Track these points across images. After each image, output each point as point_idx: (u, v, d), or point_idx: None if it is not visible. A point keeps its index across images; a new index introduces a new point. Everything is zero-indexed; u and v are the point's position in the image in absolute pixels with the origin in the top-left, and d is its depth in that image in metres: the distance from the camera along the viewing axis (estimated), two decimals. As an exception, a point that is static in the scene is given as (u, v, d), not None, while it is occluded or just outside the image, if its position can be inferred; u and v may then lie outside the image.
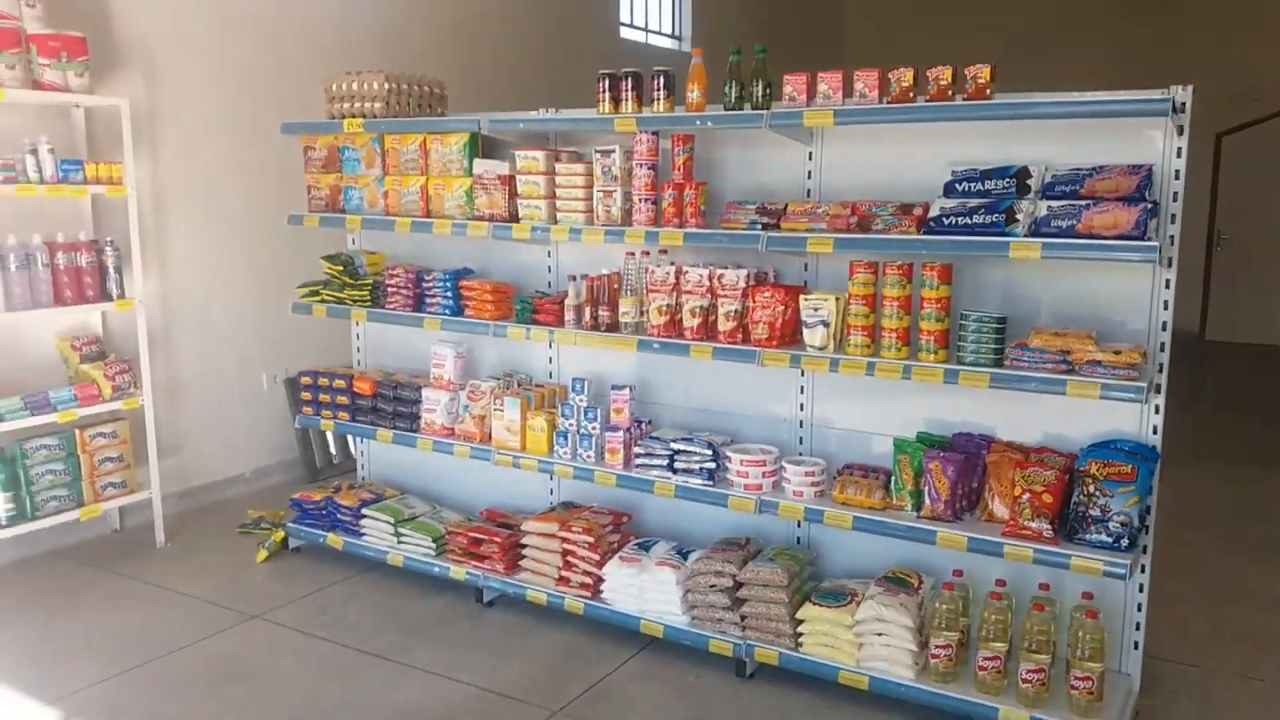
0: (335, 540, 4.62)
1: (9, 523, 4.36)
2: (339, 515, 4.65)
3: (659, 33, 10.04)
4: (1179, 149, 3.07)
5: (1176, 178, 3.08)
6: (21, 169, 4.21)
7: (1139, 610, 3.31)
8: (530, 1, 7.84)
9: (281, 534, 4.84)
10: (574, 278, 3.96)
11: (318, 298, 4.63)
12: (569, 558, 4.02)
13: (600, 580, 3.93)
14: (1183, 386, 9.36)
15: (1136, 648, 3.34)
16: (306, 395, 4.79)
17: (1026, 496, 3.11)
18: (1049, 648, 3.12)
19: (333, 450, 6.09)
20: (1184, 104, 3.02)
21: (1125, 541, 3.00)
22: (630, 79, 3.69)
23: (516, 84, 7.49)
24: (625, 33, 9.35)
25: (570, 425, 4.05)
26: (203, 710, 3.43)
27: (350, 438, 5.94)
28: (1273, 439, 7.39)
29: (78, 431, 4.64)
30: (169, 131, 5.18)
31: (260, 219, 5.62)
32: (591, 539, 3.97)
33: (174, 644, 3.88)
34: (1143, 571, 3.26)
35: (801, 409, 3.84)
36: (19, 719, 3.33)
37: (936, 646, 3.26)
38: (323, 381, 4.72)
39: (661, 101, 3.66)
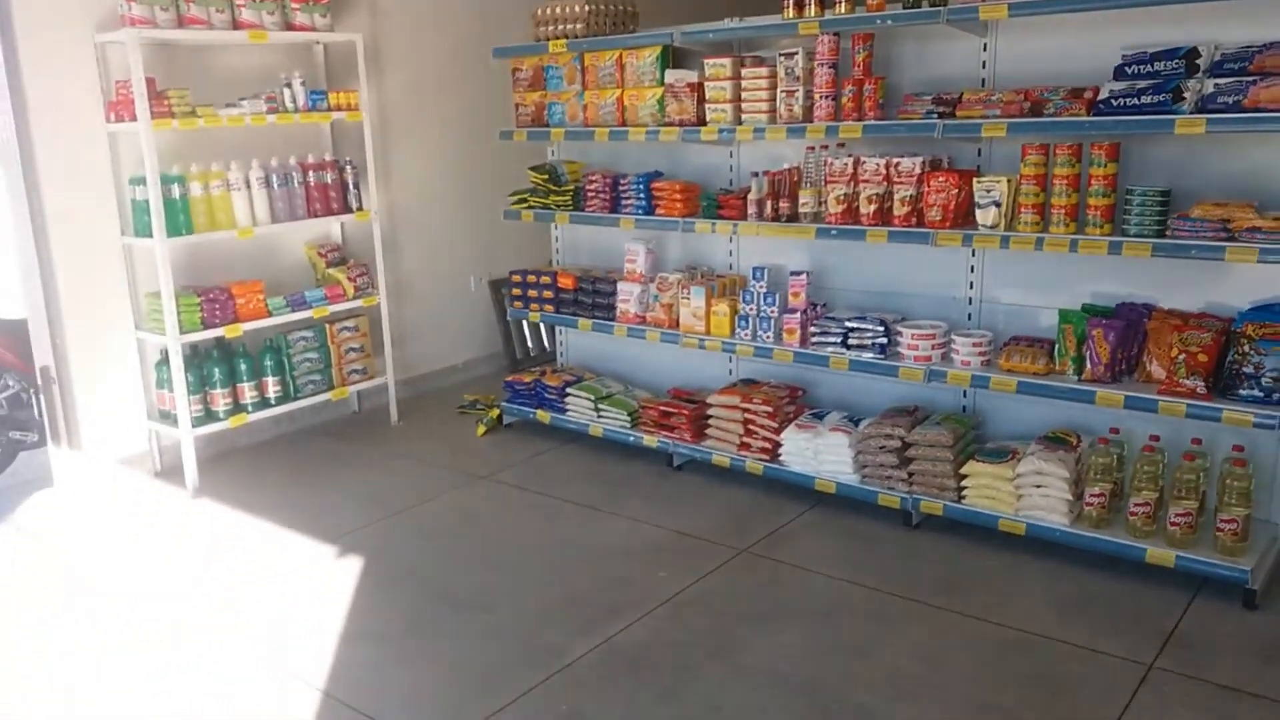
0: (543, 415, 5.27)
1: (277, 402, 5.20)
2: (546, 394, 5.29)
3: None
4: (1351, 20, 3.18)
5: (1346, 50, 3.19)
6: (280, 100, 4.93)
7: (1291, 465, 3.52)
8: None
9: (497, 411, 5.54)
10: (756, 174, 4.36)
11: (525, 204, 5.21)
12: (749, 426, 4.51)
13: (778, 445, 4.40)
14: None
15: (1287, 501, 3.55)
16: (516, 291, 5.41)
17: (1183, 357, 3.35)
18: (1197, 494, 3.39)
19: (530, 343, 6.76)
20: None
21: (1278, 395, 3.22)
22: (814, -16, 4.02)
23: None
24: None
25: (750, 309, 4.49)
26: (450, 545, 4.13)
27: (545, 331, 6.62)
28: None
29: (327, 326, 5.43)
30: (390, 61, 5.84)
31: (466, 137, 6.26)
32: (770, 409, 4.44)
33: (419, 498, 4.61)
34: (1296, 427, 3.45)
35: (971, 287, 4.15)
36: (305, 551, 4.12)
37: (1091, 495, 3.57)
38: (530, 279, 5.33)
39: (843, 4, 3.98)
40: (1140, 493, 3.49)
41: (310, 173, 5.15)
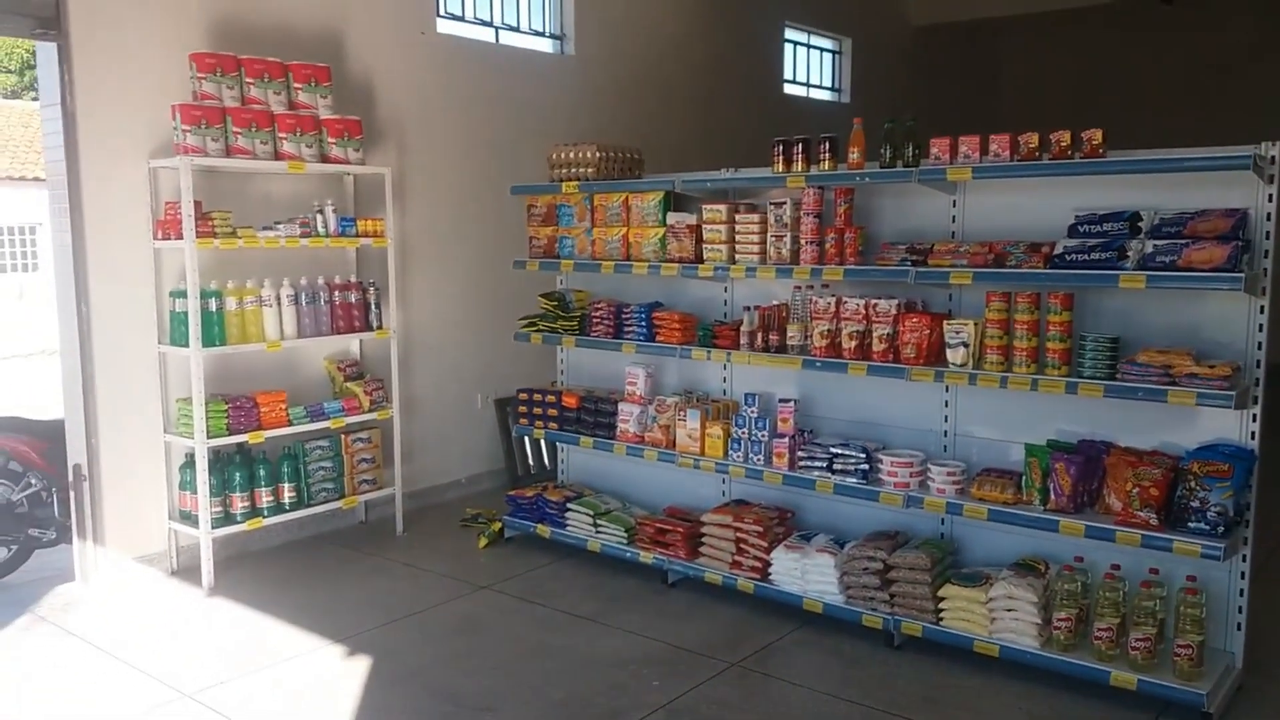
0: (544, 530, 5.52)
1: (291, 507, 5.46)
2: (547, 509, 5.55)
3: (819, 86, 10.80)
4: (1270, 195, 3.58)
5: (1269, 220, 3.59)
6: (313, 225, 5.36)
7: (1240, 594, 3.77)
8: (709, 68, 8.77)
9: (499, 525, 5.79)
10: (748, 308, 4.75)
11: (535, 328, 5.58)
12: (741, 545, 4.76)
13: (768, 564, 4.64)
14: None
15: (1239, 628, 3.80)
16: (523, 409, 5.74)
17: (1136, 490, 3.65)
18: (1155, 621, 3.64)
19: (531, 461, 7.04)
20: (1272, 158, 3.54)
21: (1221, 529, 3.50)
22: (800, 144, 4.48)
23: (699, 143, 8.42)
24: (788, 89, 10.16)
25: (743, 433, 4.80)
26: (453, 651, 4.34)
27: (546, 449, 6.91)
28: None
29: (343, 436, 5.73)
30: (414, 193, 6.32)
31: (479, 265, 6.70)
32: (761, 529, 4.70)
33: (423, 605, 4.83)
34: (1244, 559, 3.72)
35: (945, 420, 4.48)
36: (314, 652, 4.32)
37: (1058, 620, 3.82)
38: (536, 397, 5.66)
39: (826, 161, 4.43)
40: (1103, 618, 3.74)
41: (336, 292, 5.54)
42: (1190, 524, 3.56)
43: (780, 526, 4.80)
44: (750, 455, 4.76)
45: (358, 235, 5.55)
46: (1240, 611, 3.79)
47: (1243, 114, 11.06)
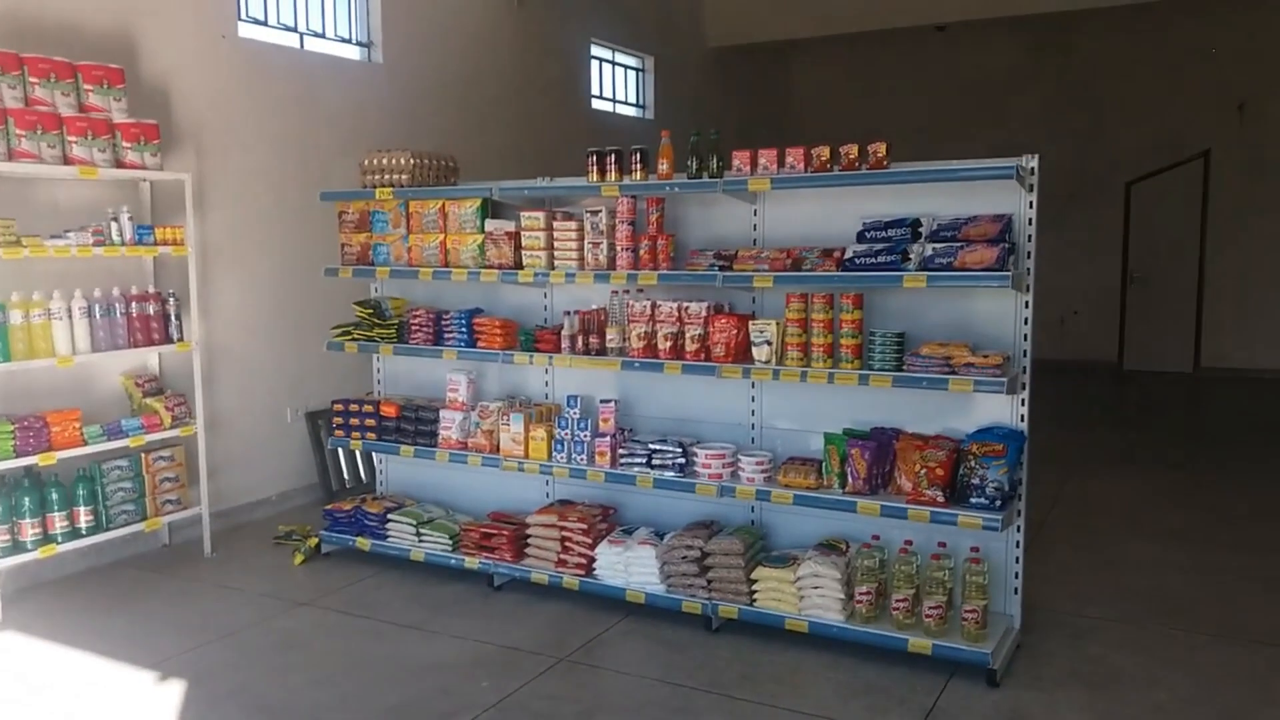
0: (364, 543, 5.44)
1: (89, 532, 5.13)
2: (366, 521, 5.48)
3: (625, 102, 11.12)
4: (1030, 202, 4.05)
5: (1030, 224, 4.06)
6: (107, 234, 5.08)
7: (1016, 561, 4.23)
8: (519, 81, 8.88)
9: (315, 540, 5.65)
10: (568, 313, 4.88)
11: (350, 336, 5.50)
12: (566, 543, 4.88)
13: (593, 560, 4.78)
14: (1101, 408, 10.59)
15: (1016, 593, 4.25)
16: (338, 420, 5.64)
17: (924, 472, 4.03)
18: (945, 590, 4.03)
19: (345, 474, 6.90)
20: (1032, 169, 4.01)
21: (999, 502, 3.93)
22: (613, 155, 4.66)
23: (511, 153, 8.49)
24: (595, 104, 10.41)
25: (566, 435, 4.93)
26: (273, 668, 4.23)
27: (362, 462, 6.80)
28: (1175, 449, 8.47)
29: (143, 455, 5.45)
30: (215, 200, 6.08)
31: (286, 273, 6.52)
32: (585, 526, 4.84)
33: (238, 625, 4.67)
34: (1019, 530, 4.18)
35: (752, 414, 4.76)
36: (123, 680, 4.10)
37: (860, 594, 4.15)
38: (353, 408, 5.58)
39: (638, 172, 4.63)
40: (900, 590, 4.10)
41: (133, 304, 5.27)
42: (972, 500, 3.97)
43: (604, 523, 4.95)
44: (574, 455, 4.89)
45: (155, 244, 5.31)
46: (1016, 577, 4.24)
47: (1006, 130, 12.18)
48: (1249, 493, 6.91)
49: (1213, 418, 10.31)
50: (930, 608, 4.03)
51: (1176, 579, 5.19)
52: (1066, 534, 5.86)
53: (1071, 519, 6.21)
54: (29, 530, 4.87)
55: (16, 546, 4.83)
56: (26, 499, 4.86)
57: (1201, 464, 7.88)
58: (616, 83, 10.98)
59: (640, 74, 11.36)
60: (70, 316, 4.95)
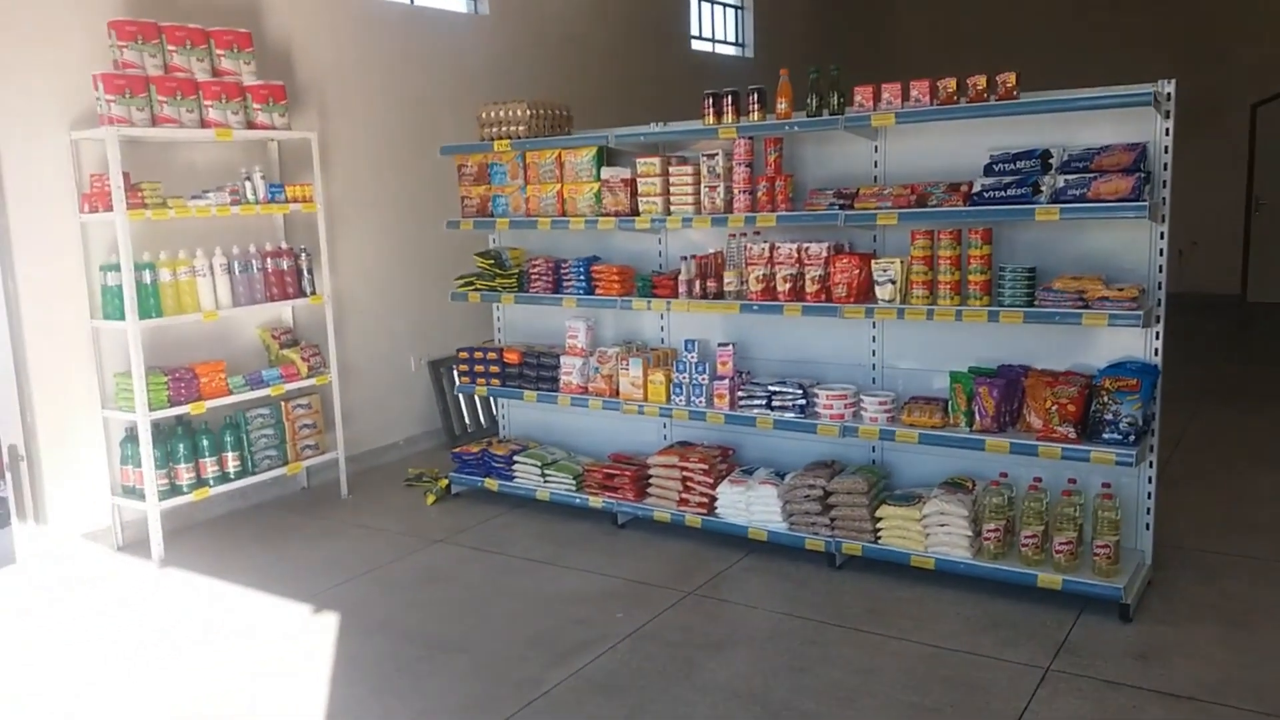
0: (491, 483, 5.65)
1: (236, 476, 5.46)
2: (493, 463, 5.68)
3: (724, 42, 10.99)
4: (1166, 129, 3.92)
5: (1165, 152, 3.93)
6: (243, 193, 5.32)
7: (1149, 497, 4.16)
8: (620, 24, 8.87)
9: (445, 481, 5.89)
10: (685, 258, 4.93)
11: (472, 287, 5.67)
12: (688, 483, 4.99)
13: (714, 499, 4.88)
14: (1224, 342, 10.20)
15: (1148, 528, 4.20)
16: (463, 367, 5.83)
17: (1055, 408, 3.99)
18: (1076, 526, 4.00)
19: (467, 419, 7.13)
20: (1168, 94, 3.87)
21: (1132, 438, 3.87)
22: (730, 96, 4.66)
23: (615, 100, 8.50)
24: (695, 44, 10.32)
25: (684, 378, 5.01)
26: (417, 600, 4.46)
27: (481, 407, 7.02)
28: None
29: (283, 404, 5.74)
30: (338, 157, 6.29)
31: (406, 226, 6.72)
32: (706, 466, 4.93)
33: (381, 561, 4.92)
34: (1150, 465, 4.11)
35: (873, 355, 4.76)
36: (279, 612, 4.38)
37: (988, 531, 4.15)
38: (477, 355, 5.76)
39: (756, 112, 4.62)
40: (1029, 527, 4.09)
41: (269, 260, 5.52)
42: (1104, 435, 3.91)
43: (723, 464, 5.03)
44: (692, 398, 4.97)
45: (287, 201, 5.53)
46: (1149, 513, 4.19)
47: (1131, 53, 11.59)
48: None
49: None
50: (1060, 543, 4.01)
51: None
52: (1193, 470, 5.72)
53: (1197, 455, 6.05)
54: (184, 475, 5.20)
55: (174, 490, 5.17)
56: (180, 446, 5.18)
57: None
58: (715, 22, 10.85)
59: (740, 11, 11.20)
60: (212, 273, 5.22)
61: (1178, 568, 4.38)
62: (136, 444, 5.00)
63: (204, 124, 5.11)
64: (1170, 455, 5.92)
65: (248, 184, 5.35)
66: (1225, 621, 3.92)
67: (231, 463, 5.44)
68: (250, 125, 5.32)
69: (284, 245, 5.72)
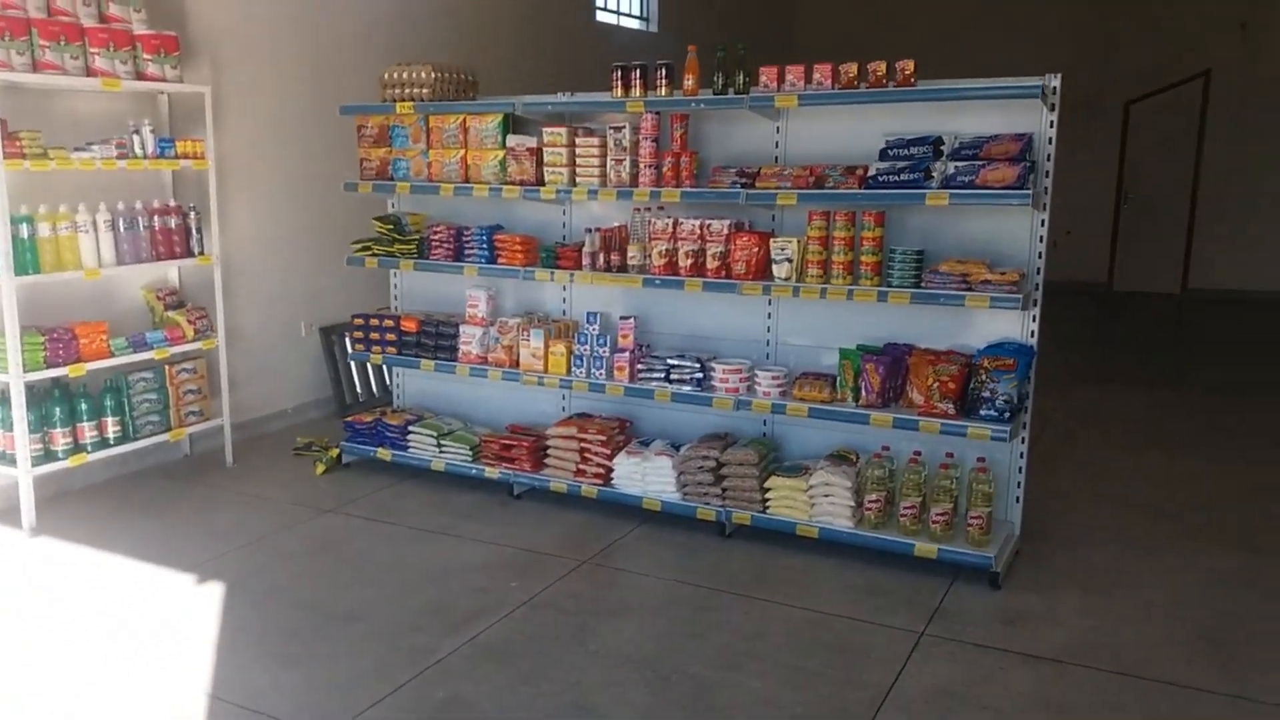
0: (385, 453, 5.59)
1: (116, 442, 5.26)
2: (387, 433, 5.62)
3: (629, 15, 10.99)
4: (1051, 121, 4.12)
5: (1050, 143, 4.14)
6: (130, 147, 5.10)
7: (1020, 472, 4.41)
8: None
9: (336, 450, 5.80)
10: (590, 230, 4.96)
11: (369, 252, 5.57)
12: (585, 454, 5.04)
13: (610, 470, 4.95)
14: (1092, 328, 10.79)
15: (1018, 501, 4.45)
16: (358, 334, 5.73)
17: (936, 385, 4.18)
18: (951, 498, 4.21)
19: (359, 388, 7.02)
20: (1054, 88, 4.07)
21: (1007, 415, 4.08)
22: (638, 70, 4.69)
23: (515, 67, 8.42)
24: (600, 15, 10.30)
25: (585, 350, 5.05)
26: (308, 570, 4.40)
27: (374, 376, 6.93)
28: (1161, 366, 8.77)
29: (167, 367, 5.55)
30: (231, 112, 6.07)
31: (302, 188, 6.55)
32: (604, 438, 5.00)
33: (268, 530, 4.83)
34: (1023, 442, 4.35)
35: (768, 331, 4.89)
36: (163, 582, 4.26)
37: (869, 502, 4.34)
38: (373, 322, 5.68)
39: (664, 87, 4.66)
40: (907, 498, 4.28)
41: (155, 217, 5.31)
42: (981, 412, 4.12)
43: (621, 435, 5.10)
44: (593, 370, 5.02)
45: (177, 157, 5.33)
46: (1019, 486, 4.44)
47: (1008, 49, 12.01)
48: (1233, 408, 7.17)
49: (1199, 338, 10.52)
50: (937, 514, 4.22)
51: (1164, 489, 5.43)
52: (1061, 448, 6.07)
53: (1065, 433, 6.42)
54: (60, 439, 4.99)
55: (48, 455, 4.96)
56: (57, 409, 4.97)
57: (1188, 381, 8.16)
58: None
59: (645, -17, 11.24)
60: (95, 230, 5.00)
61: (1044, 538, 4.65)
62: (8, 406, 4.77)
63: (90, 72, 4.88)
64: (1041, 433, 6.25)
65: (136, 138, 5.14)
66: (1086, 588, 4.19)
67: (111, 428, 5.24)
68: (140, 76, 5.11)
69: (173, 203, 5.51)
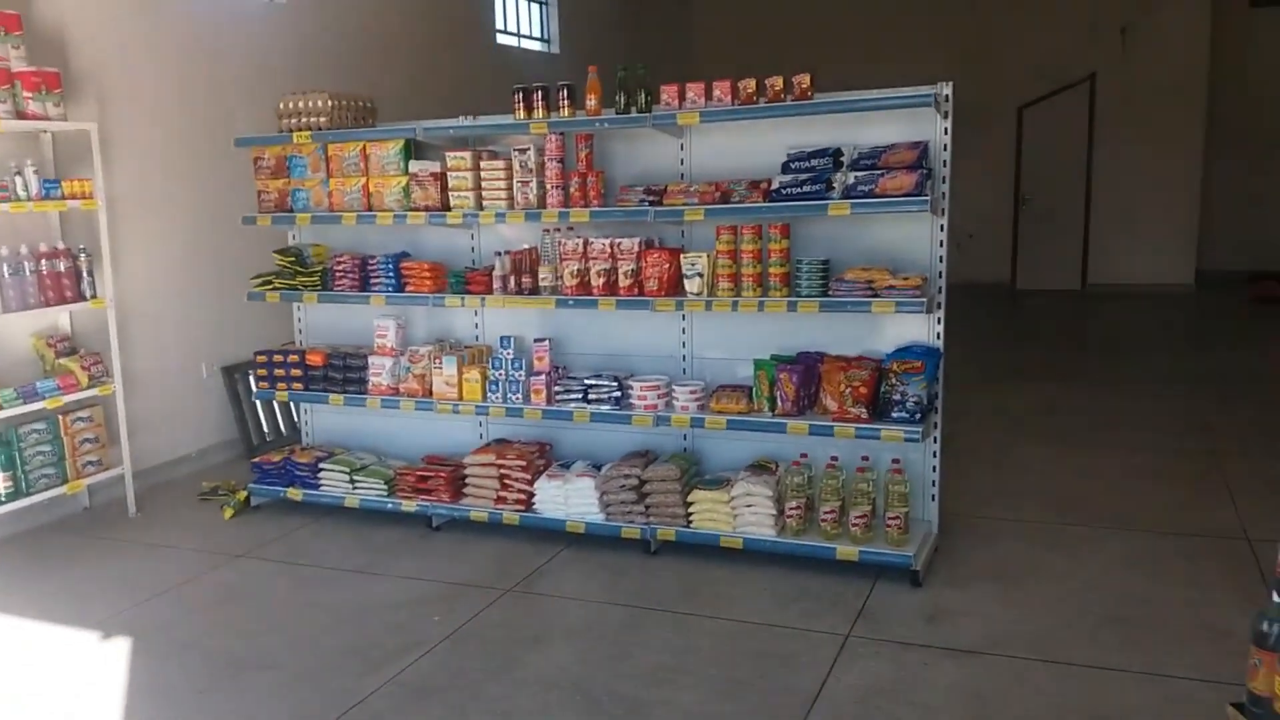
0: (295, 493, 5.42)
1: (9, 498, 5.00)
2: (297, 471, 5.45)
3: (530, 37, 10.99)
4: (945, 128, 4.25)
5: (945, 150, 4.26)
6: (12, 189, 4.88)
7: (934, 470, 4.51)
8: (424, 17, 8.72)
9: (244, 493, 5.60)
10: (500, 253, 4.92)
11: (270, 286, 5.43)
12: (505, 481, 4.97)
13: (532, 495, 4.89)
14: (997, 327, 11.14)
15: (934, 499, 4.54)
16: (262, 372, 5.57)
17: (849, 391, 4.24)
18: (869, 500, 4.28)
19: (266, 429, 6.81)
20: (946, 96, 4.19)
21: (918, 416, 4.17)
22: (540, 91, 4.69)
23: (420, 94, 8.35)
24: (501, 39, 10.27)
25: (500, 375, 4.99)
26: (220, 619, 4.22)
27: (282, 414, 6.74)
28: (1062, 362, 9.08)
29: (60, 417, 5.30)
30: (120, 150, 5.86)
31: (197, 225, 6.35)
32: (524, 463, 4.94)
33: (175, 581, 4.62)
34: (935, 441, 4.45)
35: (684, 346, 4.91)
36: (64, 642, 4.05)
37: (790, 509, 4.38)
38: (277, 359, 5.52)
39: (566, 108, 4.67)
40: (827, 503, 4.33)
41: (43, 261, 5.09)
42: (893, 415, 4.20)
43: (541, 459, 5.05)
44: (509, 395, 4.96)
45: (63, 197, 5.12)
46: (934, 485, 4.53)
47: (903, 60, 12.35)
48: (1134, 397, 7.46)
49: (1099, 331, 10.95)
50: (856, 517, 4.28)
51: (1072, 479, 5.61)
52: (972, 445, 6.20)
53: (975, 431, 6.55)
54: (-54, 496, 4.72)
55: (-66, 513, 4.69)
56: (-58, 464, 4.71)
57: (1089, 374, 8.45)
58: (521, 16, 10.85)
59: (544, 6, 11.25)
60: (-24, 275, 4.77)
61: (961, 534, 4.75)
62: (-114, 464, 4.50)
63: (-37, 111, 4.67)
64: (953, 431, 6.38)
65: (18, 179, 4.92)
66: (1003, 580, 4.29)
67: (2, 484, 4.98)
68: (20, 115, 4.90)
69: (61, 245, 5.28)
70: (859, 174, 4.20)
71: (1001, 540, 4.73)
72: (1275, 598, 2.99)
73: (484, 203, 4.90)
